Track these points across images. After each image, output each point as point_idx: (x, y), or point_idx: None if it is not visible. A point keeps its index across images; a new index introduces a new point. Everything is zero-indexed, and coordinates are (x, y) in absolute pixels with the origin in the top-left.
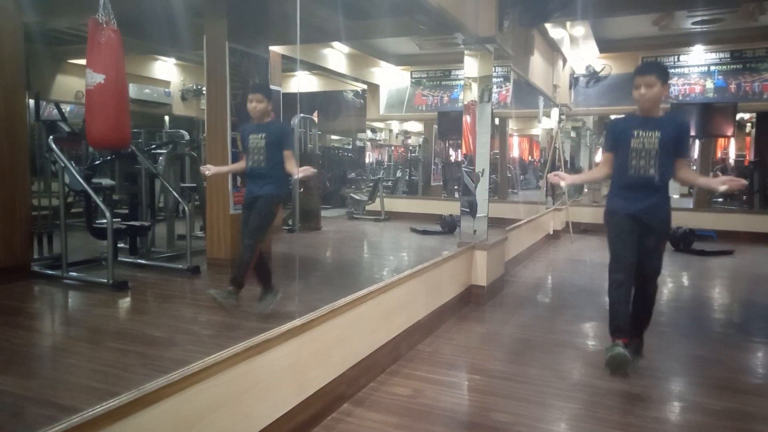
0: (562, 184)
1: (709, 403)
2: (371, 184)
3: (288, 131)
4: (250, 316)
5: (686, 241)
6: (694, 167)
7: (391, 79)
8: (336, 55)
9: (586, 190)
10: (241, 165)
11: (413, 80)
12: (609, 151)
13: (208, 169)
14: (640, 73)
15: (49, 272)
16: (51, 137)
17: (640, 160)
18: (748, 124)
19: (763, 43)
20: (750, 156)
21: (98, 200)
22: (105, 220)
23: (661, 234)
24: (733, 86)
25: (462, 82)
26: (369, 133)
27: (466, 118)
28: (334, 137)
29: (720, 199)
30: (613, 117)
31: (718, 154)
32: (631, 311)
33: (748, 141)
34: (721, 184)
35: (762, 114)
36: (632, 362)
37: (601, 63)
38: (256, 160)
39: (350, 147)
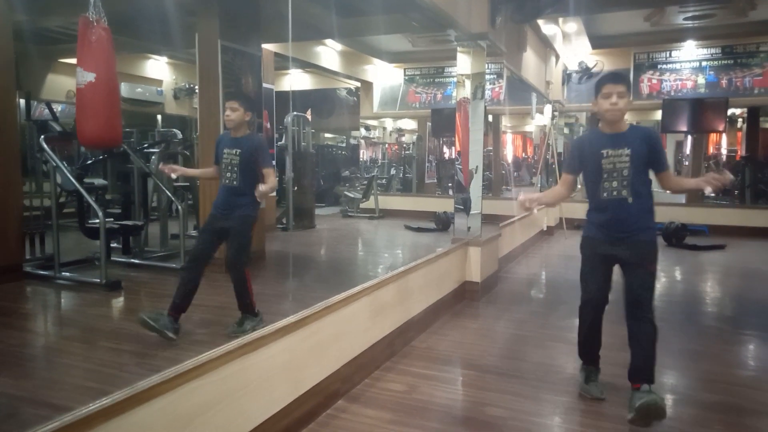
0: (535, 210)
1: (702, 396)
2: (365, 182)
3: (264, 147)
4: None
5: (678, 236)
6: (686, 162)
7: (384, 76)
8: (329, 53)
9: (579, 186)
10: (210, 171)
11: (406, 77)
12: (571, 172)
13: (173, 170)
14: (613, 81)
15: (42, 272)
16: (42, 137)
17: (613, 182)
18: (740, 119)
19: (753, 39)
20: (742, 151)
21: (90, 200)
22: (97, 220)
23: (642, 258)
24: (724, 81)
25: (455, 79)
26: (363, 131)
27: (460, 115)
28: (327, 135)
29: (712, 194)
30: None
31: (711, 150)
32: (632, 360)
33: (740, 136)
34: (705, 183)
35: (753, 109)
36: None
37: (593, 59)
38: (229, 178)
39: (344, 145)
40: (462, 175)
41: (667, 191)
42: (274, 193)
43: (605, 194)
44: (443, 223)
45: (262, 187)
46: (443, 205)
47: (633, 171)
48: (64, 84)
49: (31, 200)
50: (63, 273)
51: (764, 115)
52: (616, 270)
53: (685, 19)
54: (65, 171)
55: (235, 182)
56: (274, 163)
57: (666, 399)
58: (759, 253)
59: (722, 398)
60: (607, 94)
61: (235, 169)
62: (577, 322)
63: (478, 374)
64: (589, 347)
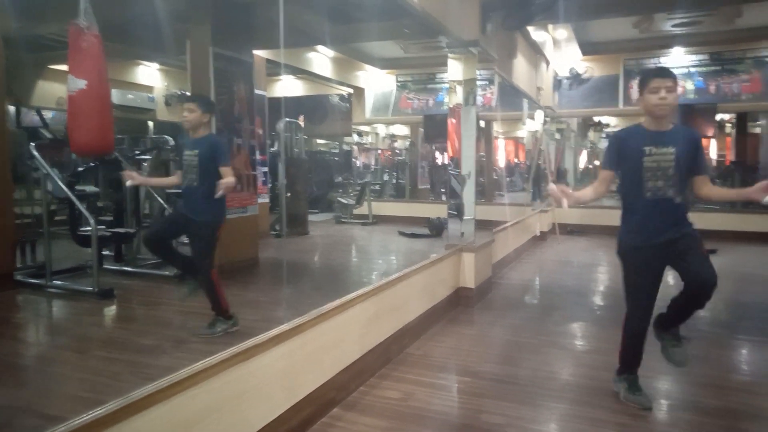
0: (564, 204)
1: (697, 401)
2: (358, 188)
3: (221, 145)
4: (239, 322)
5: None
6: None
7: (376, 82)
8: (321, 59)
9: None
10: (173, 180)
11: (399, 84)
12: (610, 168)
13: (132, 178)
14: (661, 75)
15: (33, 281)
16: (33, 144)
17: (657, 181)
18: (728, 125)
19: (740, 46)
20: (731, 156)
21: (82, 207)
22: (89, 228)
23: (691, 239)
24: (712, 88)
25: (447, 86)
26: (355, 137)
27: (452, 121)
28: (320, 141)
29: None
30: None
31: None
32: (681, 307)
33: (729, 141)
34: (764, 192)
35: (741, 115)
36: (685, 349)
37: (583, 65)
38: (190, 179)
39: (337, 151)
40: (455, 180)
41: (703, 198)
42: (267, 199)
43: (649, 194)
44: (437, 228)
45: (222, 183)
46: (437, 210)
47: (678, 171)
48: (54, 91)
49: (22, 208)
50: (55, 281)
51: (752, 120)
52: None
53: (674, 26)
54: (56, 178)
55: (195, 183)
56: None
57: (662, 404)
58: (750, 258)
59: (718, 403)
60: (655, 89)
61: (195, 170)
62: (573, 327)
63: (474, 381)
64: (633, 357)
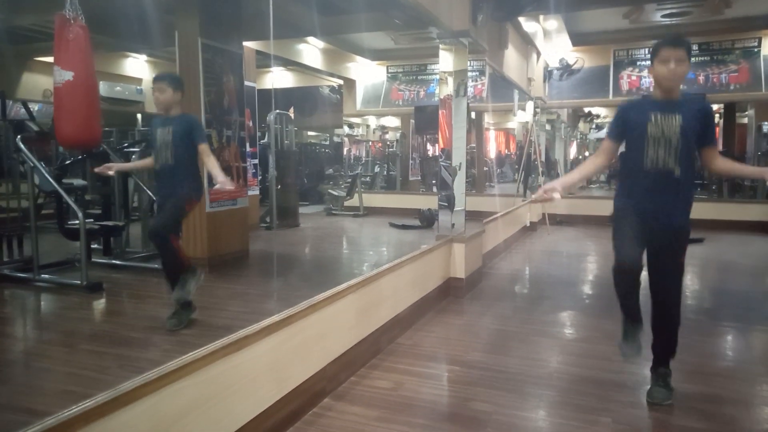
0: (556, 196)
1: (681, 387)
2: (349, 180)
3: (198, 124)
4: (229, 314)
5: None
6: None
7: (367, 74)
8: (311, 51)
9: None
10: (147, 162)
11: (389, 75)
12: (615, 139)
13: (110, 168)
14: (672, 45)
15: (20, 275)
16: (19, 137)
17: (659, 150)
18: (717, 115)
19: (729, 36)
20: (719, 146)
21: (70, 201)
22: (77, 221)
23: (677, 244)
24: (701, 78)
25: (438, 77)
26: (346, 129)
27: (443, 113)
28: (310, 133)
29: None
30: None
31: None
32: (653, 342)
33: (717, 131)
34: None
35: (729, 105)
36: (668, 395)
37: (574, 56)
38: (164, 157)
39: (327, 143)
40: (446, 172)
41: (713, 172)
42: (257, 192)
43: (649, 163)
44: (427, 220)
45: (219, 179)
46: (427, 202)
47: (683, 142)
48: (40, 83)
49: (8, 202)
50: (42, 275)
51: (740, 110)
52: None
53: (663, 16)
54: (43, 171)
55: (170, 161)
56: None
57: (646, 390)
58: (736, 246)
59: (701, 388)
60: (665, 59)
61: (169, 147)
62: (562, 316)
63: (463, 370)
64: (630, 310)
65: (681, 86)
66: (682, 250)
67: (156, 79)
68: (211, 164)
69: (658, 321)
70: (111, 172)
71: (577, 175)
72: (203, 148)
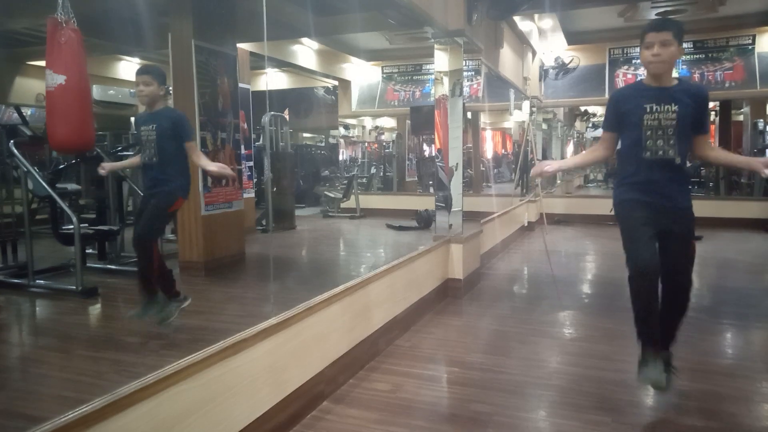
0: (548, 168)
1: (681, 385)
2: (345, 182)
3: (183, 119)
4: (225, 318)
5: None
6: None
7: (362, 74)
8: (305, 52)
9: (559, 181)
10: (135, 160)
11: (384, 75)
12: (611, 129)
13: (103, 168)
14: (655, 29)
15: (15, 281)
16: (12, 142)
17: (657, 140)
18: (712, 113)
19: (723, 33)
20: (715, 143)
21: (64, 205)
22: (72, 226)
23: (686, 229)
24: (696, 75)
25: (433, 77)
26: (342, 130)
27: (439, 113)
28: (306, 135)
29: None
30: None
31: None
32: (662, 310)
33: (713, 129)
34: (765, 166)
35: (725, 102)
36: (668, 381)
37: (569, 55)
38: (148, 155)
39: (323, 144)
40: (443, 172)
41: (701, 159)
42: (253, 194)
43: (648, 154)
44: (425, 221)
45: (212, 168)
46: (424, 203)
47: (679, 130)
48: (33, 87)
49: (2, 207)
50: (37, 281)
51: (736, 108)
52: None
53: (658, 14)
54: (37, 176)
55: (154, 159)
56: (250, 162)
57: (646, 389)
58: (733, 244)
59: (700, 386)
60: (649, 44)
61: (153, 144)
62: (560, 315)
63: (462, 371)
64: (649, 325)
65: (673, 71)
66: (690, 233)
67: (139, 72)
68: (201, 161)
69: (669, 306)
70: (104, 172)
71: (574, 161)
72: (190, 145)
